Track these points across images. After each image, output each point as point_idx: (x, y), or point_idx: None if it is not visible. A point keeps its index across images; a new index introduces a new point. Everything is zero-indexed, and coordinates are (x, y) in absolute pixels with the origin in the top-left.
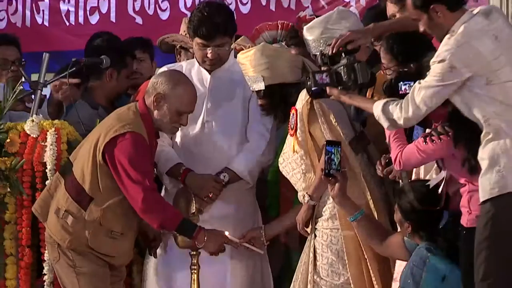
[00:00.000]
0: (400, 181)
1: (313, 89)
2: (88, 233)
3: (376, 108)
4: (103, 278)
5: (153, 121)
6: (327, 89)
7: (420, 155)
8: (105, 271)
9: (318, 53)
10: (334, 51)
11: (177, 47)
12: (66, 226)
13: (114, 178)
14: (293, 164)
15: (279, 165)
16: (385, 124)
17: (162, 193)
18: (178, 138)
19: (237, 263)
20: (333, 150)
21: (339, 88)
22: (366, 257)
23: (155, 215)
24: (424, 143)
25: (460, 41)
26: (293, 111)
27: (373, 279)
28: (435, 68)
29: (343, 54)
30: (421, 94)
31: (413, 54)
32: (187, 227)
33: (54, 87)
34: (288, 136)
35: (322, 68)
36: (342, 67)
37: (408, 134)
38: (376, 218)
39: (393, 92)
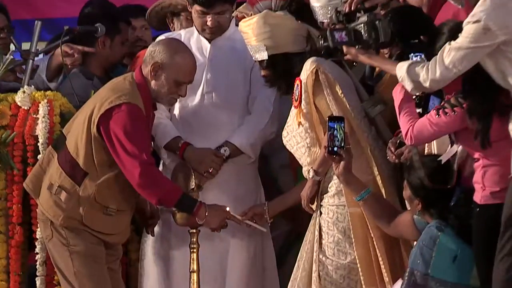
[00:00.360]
0: None
1: (330, 46)
2: (83, 209)
3: (400, 69)
4: (98, 257)
5: (150, 92)
6: (344, 48)
7: (433, 128)
8: (100, 249)
9: (333, 12)
10: (352, 8)
11: (168, 16)
12: (59, 202)
13: (109, 152)
14: (297, 137)
15: (283, 138)
16: (409, 86)
17: (160, 168)
18: (176, 110)
19: (238, 242)
20: (335, 126)
21: (357, 47)
22: (372, 235)
23: (153, 190)
24: (436, 116)
25: (497, 3)
26: (297, 82)
27: (380, 259)
28: (469, 29)
29: (361, 11)
30: (451, 55)
31: (410, 33)
32: (187, 203)
33: (64, 53)
34: (292, 108)
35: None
36: (362, 24)
37: (423, 105)
38: (384, 195)
39: None
